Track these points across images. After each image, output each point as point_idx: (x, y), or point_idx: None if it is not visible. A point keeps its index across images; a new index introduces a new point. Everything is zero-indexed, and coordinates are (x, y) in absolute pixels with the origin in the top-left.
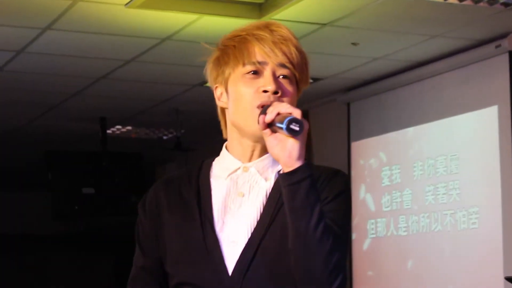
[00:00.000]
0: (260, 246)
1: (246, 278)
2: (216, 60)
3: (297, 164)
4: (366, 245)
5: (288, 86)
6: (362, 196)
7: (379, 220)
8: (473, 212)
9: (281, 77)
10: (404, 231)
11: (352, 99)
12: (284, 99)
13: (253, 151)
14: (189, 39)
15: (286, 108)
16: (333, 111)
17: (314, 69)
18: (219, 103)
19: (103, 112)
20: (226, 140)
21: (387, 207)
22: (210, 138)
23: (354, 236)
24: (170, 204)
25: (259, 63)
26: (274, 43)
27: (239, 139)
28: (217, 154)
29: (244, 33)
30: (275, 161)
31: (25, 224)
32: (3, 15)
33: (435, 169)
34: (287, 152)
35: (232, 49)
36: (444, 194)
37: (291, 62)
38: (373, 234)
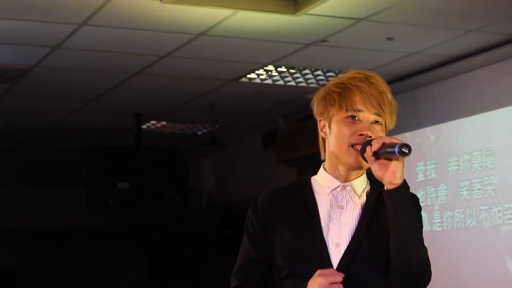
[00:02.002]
0: (359, 248)
1: (349, 272)
2: (323, 98)
3: (399, 181)
4: None
5: (379, 131)
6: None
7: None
8: (509, 207)
9: (374, 122)
10: (439, 227)
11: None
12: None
13: (347, 174)
14: (224, 34)
15: (389, 139)
16: None
17: (349, 64)
18: (321, 134)
19: (138, 107)
20: (321, 159)
21: (422, 202)
22: (244, 133)
23: None
24: (282, 211)
25: (358, 110)
26: (372, 95)
27: (336, 164)
28: (251, 149)
29: (348, 82)
30: (365, 182)
31: (61, 219)
32: (39, 11)
33: (470, 164)
34: (391, 173)
35: (338, 94)
36: (479, 189)
37: (383, 112)
38: None
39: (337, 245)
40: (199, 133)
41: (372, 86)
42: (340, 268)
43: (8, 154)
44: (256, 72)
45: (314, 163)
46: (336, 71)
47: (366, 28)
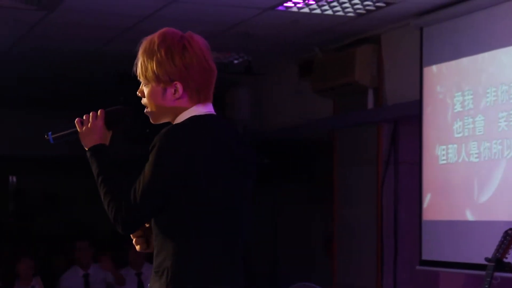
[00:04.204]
0: None
1: None
2: None
3: (86, 148)
4: (436, 171)
5: (144, 89)
6: (433, 121)
7: (450, 146)
8: None
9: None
10: (476, 158)
11: (426, 23)
12: (144, 98)
13: None
14: None
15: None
16: (406, 35)
17: None
18: None
19: None
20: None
21: (459, 133)
22: (280, 63)
23: (424, 161)
24: None
25: None
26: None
27: None
28: (287, 79)
29: None
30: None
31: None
32: None
33: (508, 95)
34: None
35: None
36: None
37: (138, 75)
38: (443, 160)
39: None
40: (235, 62)
41: None
42: None
43: (44, 82)
44: (293, 0)
45: (349, 93)
46: (374, 0)
47: None
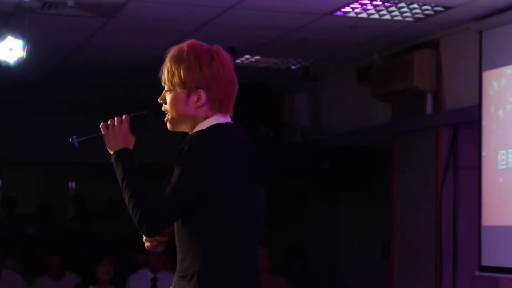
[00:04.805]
0: None
1: None
2: None
3: (111, 151)
4: (496, 176)
5: (166, 96)
6: (493, 126)
7: (510, 151)
8: None
9: (166, 92)
10: None
11: (485, 27)
12: (165, 105)
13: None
14: None
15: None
16: (465, 40)
17: None
18: None
19: (232, 42)
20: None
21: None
22: (338, 68)
23: (484, 166)
24: None
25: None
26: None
27: None
28: (345, 84)
29: None
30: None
31: (154, 152)
32: None
33: None
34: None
35: None
36: None
37: (163, 81)
38: (503, 165)
39: None
40: (293, 67)
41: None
42: None
43: (102, 89)
44: (351, 5)
45: (408, 98)
46: (433, 4)
47: None
